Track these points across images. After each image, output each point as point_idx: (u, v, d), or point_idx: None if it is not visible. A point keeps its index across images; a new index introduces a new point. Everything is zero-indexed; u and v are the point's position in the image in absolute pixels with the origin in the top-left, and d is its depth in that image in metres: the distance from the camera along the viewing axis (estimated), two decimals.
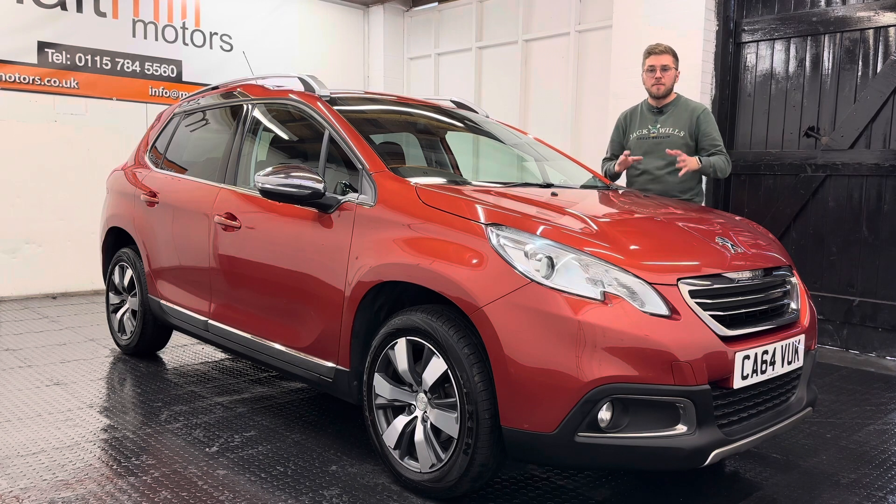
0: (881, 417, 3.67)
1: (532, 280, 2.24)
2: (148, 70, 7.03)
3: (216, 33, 7.48)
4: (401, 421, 2.61)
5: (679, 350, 2.17)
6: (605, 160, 4.38)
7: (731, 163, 4.03)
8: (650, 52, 4.04)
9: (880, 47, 4.89)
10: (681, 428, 2.20)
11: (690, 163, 3.79)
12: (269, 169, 2.90)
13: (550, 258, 2.27)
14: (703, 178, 4.15)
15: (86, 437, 3.11)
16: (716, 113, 5.35)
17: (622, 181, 4.42)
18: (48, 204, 6.54)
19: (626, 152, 4.06)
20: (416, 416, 2.57)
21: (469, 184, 3.07)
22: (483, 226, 2.42)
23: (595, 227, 2.47)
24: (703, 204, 4.11)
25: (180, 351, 4.71)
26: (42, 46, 6.39)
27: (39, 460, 2.85)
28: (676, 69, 4.04)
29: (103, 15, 6.73)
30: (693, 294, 2.31)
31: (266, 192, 2.92)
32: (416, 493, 2.58)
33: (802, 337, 2.63)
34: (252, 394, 3.80)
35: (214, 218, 3.52)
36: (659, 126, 4.04)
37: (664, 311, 2.22)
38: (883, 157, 4.86)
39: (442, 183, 2.98)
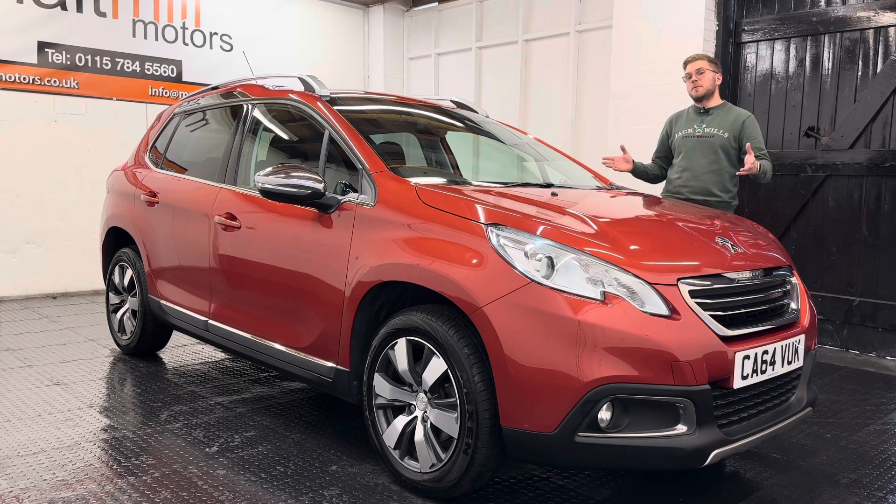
0: (881, 417, 3.67)
1: (532, 280, 2.24)
2: (148, 70, 7.03)
3: (216, 33, 7.48)
4: (401, 421, 2.61)
5: (679, 350, 2.17)
6: (653, 159, 4.46)
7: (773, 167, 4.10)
8: (686, 63, 4.17)
9: (880, 47, 4.89)
10: (681, 428, 2.20)
11: (755, 165, 3.81)
12: (270, 169, 2.90)
13: (550, 258, 2.27)
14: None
15: (86, 437, 3.11)
16: None
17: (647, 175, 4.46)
18: (48, 204, 6.54)
19: (609, 157, 4.29)
20: (416, 416, 2.57)
21: (469, 184, 3.06)
22: (483, 226, 2.42)
23: (595, 228, 2.47)
24: (735, 208, 4.18)
25: (180, 351, 4.71)
26: (42, 46, 6.39)
27: (39, 460, 2.85)
28: (714, 72, 4.10)
29: (103, 15, 6.73)
30: (693, 294, 2.31)
31: (266, 192, 2.92)
32: (416, 493, 2.58)
33: (802, 337, 2.63)
34: (252, 394, 3.80)
35: (214, 218, 3.52)
36: (704, 126, 4.10)
37: (664, 311, 2.22)
38: (883, 158, 4.86)
39: (442, 183, 2.98)
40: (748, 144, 3.84)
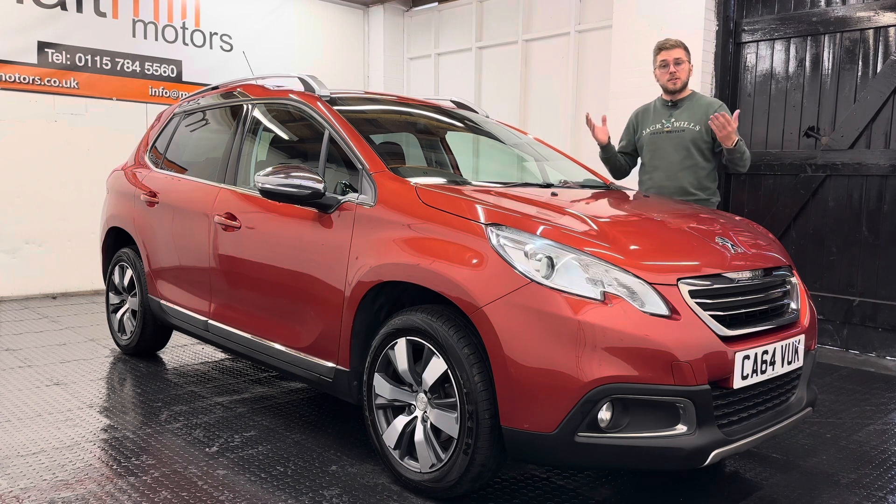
0: (881, 417, 3.67)
1: (532, 280, 2.24)
2: (148, 70, 7.03)
3: (216, 33, 7.48)
4: (401, 421, 2.61)
5: (679, 350, 2.17)
6: (618, 152, 4.23)
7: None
8: (661, 48, 3.92)
9: (880, 47, 4.89)
10: (681, 428, 2.19)
11: (728, 125, 3.50)
12: (269, 169, 2.90)
13: (550, 258, 2.27)
14: (717, 179, 3.98)
15: (86, 437, 3.11)
16: None
17: (633, 177, 4.31)
18: (48, 204, 6.54)
19: (588, 113, 4.07)
20: (416, 416, 2.57)
21: (469, 184, 3.06)
22: (483, 226, 2.42)
23: (595, 227, 2.47)
24: (717, 205, 3.98)
25: (180, 351, 4.71)
26: (42, 46, 6.39)
27: (39, 460, 2.85)
28: (689, 63, 3.90)
29: (103, 15, 6.73)
30: (693, 294, 2.31)
31: (266, 192, 2.92)
32: (416, 493, 2.58)
33: (802, 337, 2.63)
34: (252, 394, 3.80)
35: (214, 218, 3.52)
36: (673, 120, 3.88)
37: (664, 311, 2.22)
38: (883, 157, 4.86)
39: (442, 183, 2.98)
40: (714, 116, 3.56)
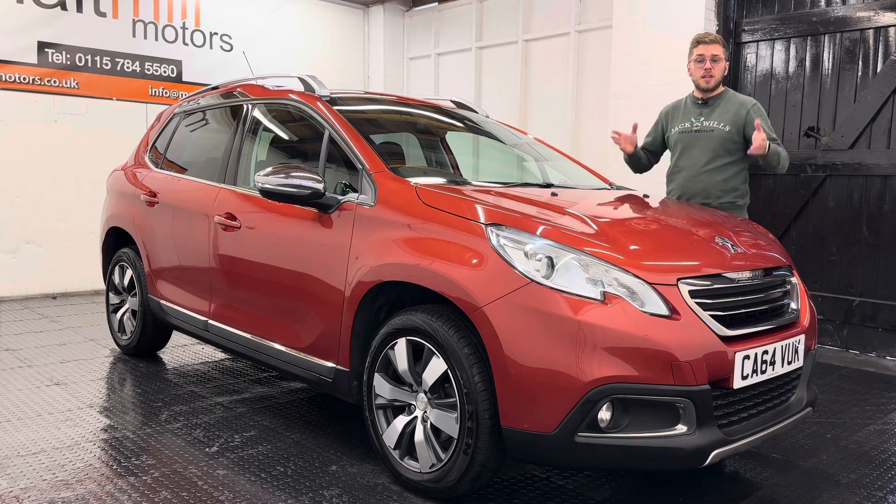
0: (881, 417, 3.67)
1: (532, 280, 2.24)
2: (148, 70, 7.03)
3: (216, 33, 7.48)
4: (401, 421, 2.61)
5: (679, 350, 2.17)
6: (641, 147, 4.08)
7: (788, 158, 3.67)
8: (699, 41, 3.69)
9: (880, 47, 4.89)
10: (681, 428, 2.19)
11: (764, 144, 3.39)
12: (269, 169, 2.90)
13: (550, 258, 2.27)
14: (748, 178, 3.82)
15: (86, 437, 3.11)
16: None
17: (649, 174, 4.20)
18: (48, 204, 6.54)
19: (617, 131, 3.94)
20: (416, 416, 2.57)
21: (469, 184, 3.06)
22: (483, 226, 2.42)
23: (595, 228, 2.47)
24: (746, 207, 3.79)
25: (180, 351, 4.71)
26: (42, 46, 6.39)
27: (39, 460, 2.85)
28: (726, 60, 3.70)
29: (103, 15, 6.74)
30: (693, 294, 2.31)
31: (266, 192, 2.92)
32: (416, 493, 2.58)
33: (802, 337, 2.63)
34: (252, 394, 3.80)
35: (214, 218, 3.52)
36: (703, 119, 3.69)
37: (664, 311, 2.22)
38: (883, 157, 4.86)
39: (442, 183, 2.98)
40: (757, 122, 3.41)
